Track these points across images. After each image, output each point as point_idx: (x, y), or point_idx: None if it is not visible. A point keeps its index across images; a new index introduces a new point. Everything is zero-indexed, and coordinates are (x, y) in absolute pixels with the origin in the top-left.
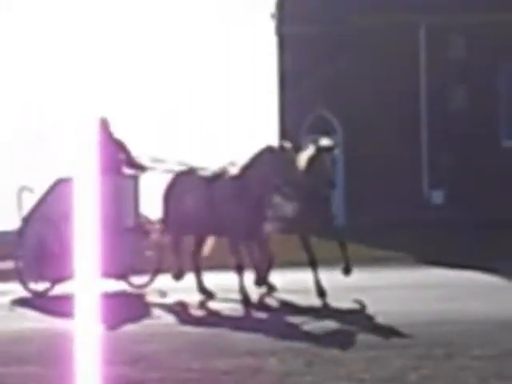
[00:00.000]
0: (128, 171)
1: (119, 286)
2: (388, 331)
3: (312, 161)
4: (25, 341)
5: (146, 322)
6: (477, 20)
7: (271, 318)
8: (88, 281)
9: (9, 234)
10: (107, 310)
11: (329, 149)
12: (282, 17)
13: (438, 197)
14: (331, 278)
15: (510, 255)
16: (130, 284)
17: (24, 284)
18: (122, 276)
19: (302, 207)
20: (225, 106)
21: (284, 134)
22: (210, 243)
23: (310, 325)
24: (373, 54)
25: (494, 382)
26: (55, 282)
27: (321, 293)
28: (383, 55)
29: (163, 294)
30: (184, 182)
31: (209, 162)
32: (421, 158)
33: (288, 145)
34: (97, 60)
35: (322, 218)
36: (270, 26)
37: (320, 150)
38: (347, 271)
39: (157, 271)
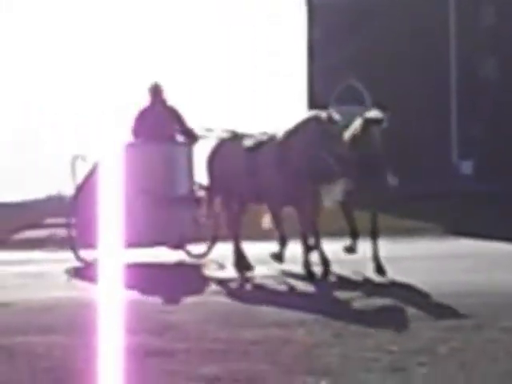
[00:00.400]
0: (181, 139)
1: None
2: (416, 302)
3: (360, 133)
4: (54, 310)
5: (180, 291)
6: None
7: (301, 290)
8: (119, 250)
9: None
10: (149, 280)
11: (377, 121)
12: None
13: (467, 167)
14: (359, 248)
15: None
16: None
17: (75, 252)
18: (178, 245)
19: (347, 180)
20: (254, 76)
21: (313, 103)
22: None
23: (340, 296)
24: (402, 23)
25: None
26: None
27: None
28: (413, 24)
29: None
30: (227, 148)
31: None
32: (450, 127)
33: (336, 115)
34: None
35: (369, 190)
36: None
37: (368, 122)
38: (380, 270)
39: (214, 239)
